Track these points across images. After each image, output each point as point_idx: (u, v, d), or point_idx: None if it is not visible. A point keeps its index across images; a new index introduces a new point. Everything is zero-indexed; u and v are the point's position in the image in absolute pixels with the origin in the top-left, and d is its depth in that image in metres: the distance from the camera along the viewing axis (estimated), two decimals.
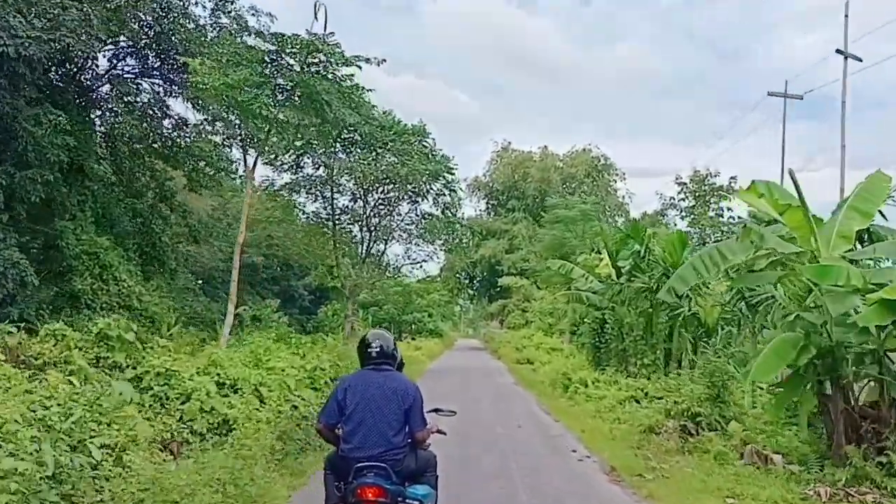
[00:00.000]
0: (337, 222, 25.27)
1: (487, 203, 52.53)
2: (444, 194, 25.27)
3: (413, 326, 58.45)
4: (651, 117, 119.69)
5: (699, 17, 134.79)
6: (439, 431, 4.81)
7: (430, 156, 24.61)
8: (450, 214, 25.33)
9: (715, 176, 44.03)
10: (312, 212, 25.31)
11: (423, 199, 25.43)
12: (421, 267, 26.29)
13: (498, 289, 48.50)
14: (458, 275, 52.29)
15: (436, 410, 5.03)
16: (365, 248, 25.22)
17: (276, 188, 24.83)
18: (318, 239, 25.43)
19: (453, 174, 24.43)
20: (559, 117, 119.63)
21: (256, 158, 17.01)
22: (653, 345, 15.87)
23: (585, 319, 18.72)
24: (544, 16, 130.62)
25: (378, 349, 4.46)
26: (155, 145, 18.02)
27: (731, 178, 43.60)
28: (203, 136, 18.39)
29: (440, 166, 24.35)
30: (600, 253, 20.24)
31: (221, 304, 43.26)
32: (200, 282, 35.46)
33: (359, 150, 23.22)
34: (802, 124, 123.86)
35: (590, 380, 15.32)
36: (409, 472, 4.40)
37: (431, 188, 25.05)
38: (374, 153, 23.44)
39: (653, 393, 11.94)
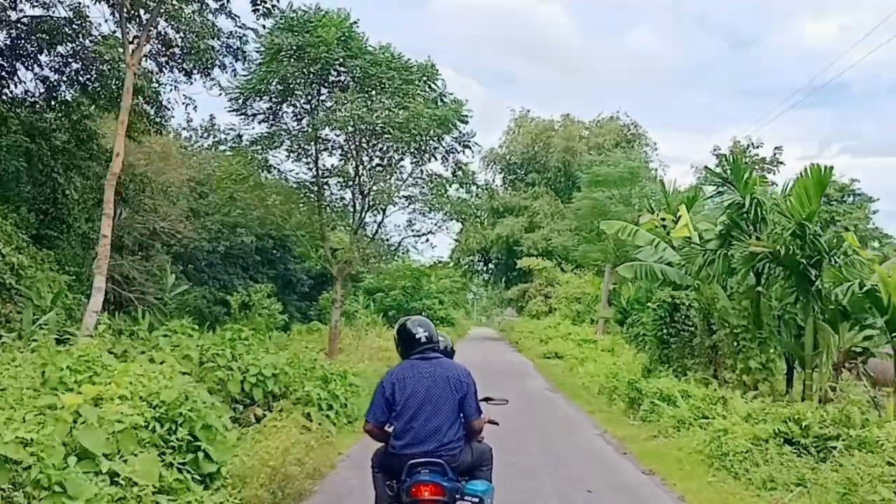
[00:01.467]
0: (324, 186, 20.26)
1: (504, 177, 47.33)
2: (456, 150, 20.15)
3: (422, 314, 53.73)
4: (664, 106, 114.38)
5: (711, 4, 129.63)
6: (491, 422, 4.57)
7: (438, 101, 19.50)
8: (462, 175, 20.20)
9: (758, 147, 38.77)
10: (290, 170, 20.31)
11: (429, 157, 20.34)
12: (427, 241, 21.30)
13: (516, 272, 43.42)
14: (471, 256, 47.26)
15: (486, 399, 4.68)
16: (358, 217, 20.20)
17: (243, 141, 19.74)
18: (299, 206, 20.41)
19: (466, 121, 19.28)
20: (570, 106, 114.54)
21: (145, 32, 11.64)
22: (762, 340, 10.78)
23: (649, 304, 13.62)
24: (555, 2, 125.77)
25: (426, 335, 4.23)
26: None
27: (776, 148, 38.35)
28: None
29: (450, 112, 19.23)
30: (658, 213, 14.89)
31: (207, 289, 38.11)
32: (180, 264, 30.86)
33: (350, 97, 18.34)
34: (817, 111, 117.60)
35: (676, 391, 10.20)
36: (465, 467, 4.16)
37: (440, 143, 19.97)
38: (367, 97, 18.42)
39: (817, 427, 6.88)
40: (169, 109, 15.83)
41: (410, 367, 4.17)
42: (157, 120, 15.65)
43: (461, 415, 4.11)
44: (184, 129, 30.62)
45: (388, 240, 21.53)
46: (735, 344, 11.02)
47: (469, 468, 4.22)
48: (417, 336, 4.22)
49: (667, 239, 13.14)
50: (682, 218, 12.16)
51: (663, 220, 13.56)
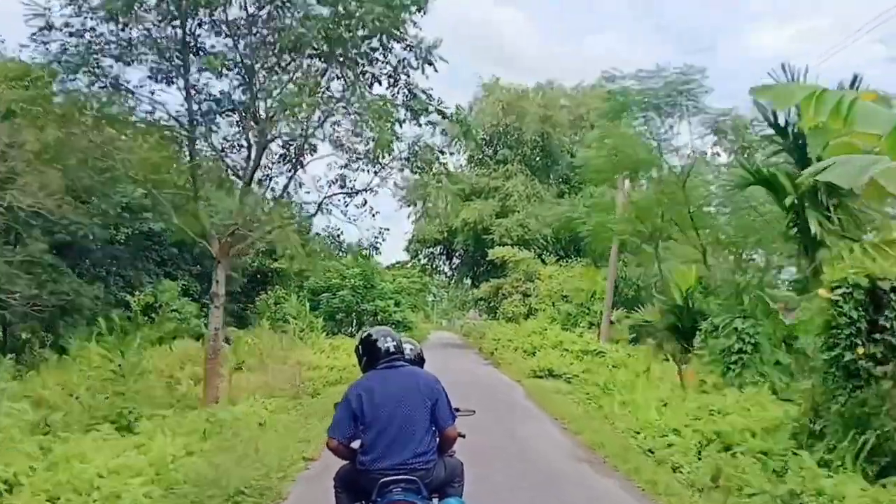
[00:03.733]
0: (197, 120, 12.60)
1: (471, 155, 40.23)
2: (411, 66, 12.77)
3: (375, 318, 46.47)
4: None
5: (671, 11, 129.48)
6: (460, 435, 4.12)
7: None
8: (419, 102, 12.79)
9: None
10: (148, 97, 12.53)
11: (369, 79, 12.93)
12: (364, 204, 13.69)
13: (486, 266, 36.35)
14: (431, 248, 40.00)
15: (455, 410, 4.19)
16: (252, 164, 12.63)
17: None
18: (160, 151, 12.67)
19: (422, 10, 11.88)
20: None
21: None
22: None
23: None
24: (514, 7, 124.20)
25: (394, 344, 4.04)
26: None
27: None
28: None
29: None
30: None
31: (103, 287, 30.86)
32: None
33: None
34: None
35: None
36: (437, 483, 3.93)
37: (386, 56, 12.59)
38: None
39: None
40: None
41: (377, 376, 3.93)
42: None
43: (433, 424, 3.85)
44: None
45: (298, 202, 13.89)
46: None
47: (441, 484, 3.95)
48: (385, 346, 4.01)
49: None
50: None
51: None
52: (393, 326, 45.93)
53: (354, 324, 49.90)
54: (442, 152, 13.84)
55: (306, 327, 30.17)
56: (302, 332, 30.53)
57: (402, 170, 13.27)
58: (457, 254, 39.67)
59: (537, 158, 37.17)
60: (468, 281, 43.37)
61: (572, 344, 22.39)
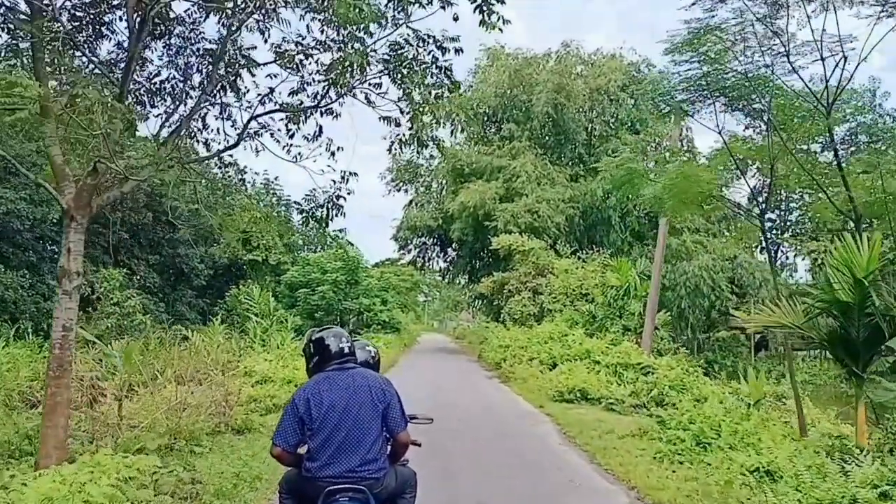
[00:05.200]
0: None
1: (470, 132, 35.11)
2: None
3: (360, 317, 41.53)
4: None
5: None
6: (414, 443, 3.93)
7: None
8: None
9: None
10: None
11: None
12: (320, 132, 8.65)
13: (487, 258, 31.32)
14: (423, 238, 34.88)
15: (409, 418, 4.04)
16: (127, 59, 7.54)
17: None
18: None
19: None
20: None
21: None
22: None
23: None
24: (507, 9, 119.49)
25: (347, 346, 3.79)
26: None
27: None
28: None
29: None
30: None
31: (30, 276, 26.53)
32: None
33: None
34: None
35: None
36: (388, 494, 3.66)
37: None
38: None
39: None
40: None
41: (326, 379, 3.68)
42: None
43: (385, 430, 3.65)
44: None
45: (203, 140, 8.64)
46: None
47: (392, 495, 3.72)
48: (339, 347, 3.77)
49: None
50: None
51: None
52: (379, 327, 40.52)
53: (336, 323, 44.73)
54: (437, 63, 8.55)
55: (271, 326, 24.95)
56: (266, 333, 25.29)
57: (379, 78, 8.09)
58: (453, 244, 34.49)
59: (548, 135, 32.09)
60: (464, 278, 38.23)
61: (603, 354, 17.38)
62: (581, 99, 30.83)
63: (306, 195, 8.84)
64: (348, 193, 8.84)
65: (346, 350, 3.75)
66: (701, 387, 13.53)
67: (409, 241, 35.20)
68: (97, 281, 27.35)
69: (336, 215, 8.86)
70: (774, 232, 37.13)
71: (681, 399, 12.69)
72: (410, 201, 35.00)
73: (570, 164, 31.90)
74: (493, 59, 33.39)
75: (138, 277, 37.07)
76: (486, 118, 34.16)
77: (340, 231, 34.99)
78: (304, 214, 8.87)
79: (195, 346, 19.78)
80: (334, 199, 8.75)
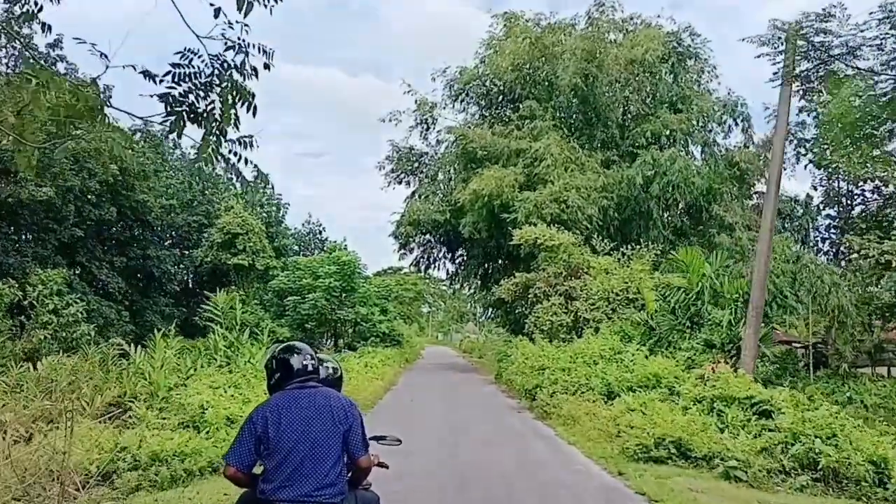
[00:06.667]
0: None
1: (481, 110, 30.15)
2: None
3: (356, 328, 36.69)
4: None
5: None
6: (381, 465, 3.87)
7: None
8: None
9: None
10: None
11: None
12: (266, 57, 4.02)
13: (504, 259, 26.35)
14: (427, 234, 29.90)
15: (376, 438, 4.03)
16: None
17: None
18: None
19: None
20: None
21: None
22: None
23: None
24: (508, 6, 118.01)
25: (309, 361, 3.55)
26: None
27: None
28: None
29: None
30: None
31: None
32: None
33: None
34: None
35: None
36: None
37: None
38: None
39: None
40: None
41: (286, 397, 3.45)
42: None
43: (345, 453, 3.42)
44: None
45: None
46: None
47: None
48: (303, 364, 3.53)
49: None
50: None
51: None
52: (378, 340, 35.15)
53: (329, 335, 39.69)
54: None
55: (238, 339, 19.84)
56: (232, 348, 20.04)
57: None
58: (463, 244, 29.46)
59: (576, 113, 27.16)
60: (474, 283, 33.18)
61: (677, 381, 12.43)
62: (616, 70, 25.94)
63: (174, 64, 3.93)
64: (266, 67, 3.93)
65: (310, 368, 3.53)
66: (860, 437, 8.61)
67: (410, 239, 30.21)
68: (29, 284, 22.47)
69: (241, 105, 3.95)
70: (833, 231, 32.21)
71: (849, 461, 7.92)
72: (413, 192, 30.11)
73: (602, 147, 26.98)
74: (509, 26, 28.52)
75: (98, 281, 32.23)
76: (501, 95, 29.22)
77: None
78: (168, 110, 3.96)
79: (135, 363, 15.11)
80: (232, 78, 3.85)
